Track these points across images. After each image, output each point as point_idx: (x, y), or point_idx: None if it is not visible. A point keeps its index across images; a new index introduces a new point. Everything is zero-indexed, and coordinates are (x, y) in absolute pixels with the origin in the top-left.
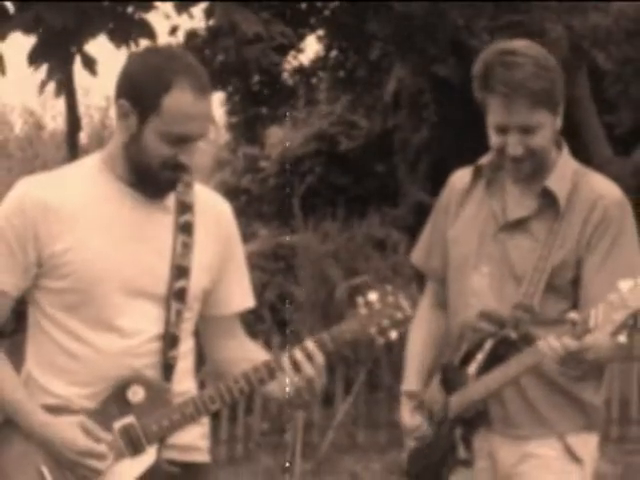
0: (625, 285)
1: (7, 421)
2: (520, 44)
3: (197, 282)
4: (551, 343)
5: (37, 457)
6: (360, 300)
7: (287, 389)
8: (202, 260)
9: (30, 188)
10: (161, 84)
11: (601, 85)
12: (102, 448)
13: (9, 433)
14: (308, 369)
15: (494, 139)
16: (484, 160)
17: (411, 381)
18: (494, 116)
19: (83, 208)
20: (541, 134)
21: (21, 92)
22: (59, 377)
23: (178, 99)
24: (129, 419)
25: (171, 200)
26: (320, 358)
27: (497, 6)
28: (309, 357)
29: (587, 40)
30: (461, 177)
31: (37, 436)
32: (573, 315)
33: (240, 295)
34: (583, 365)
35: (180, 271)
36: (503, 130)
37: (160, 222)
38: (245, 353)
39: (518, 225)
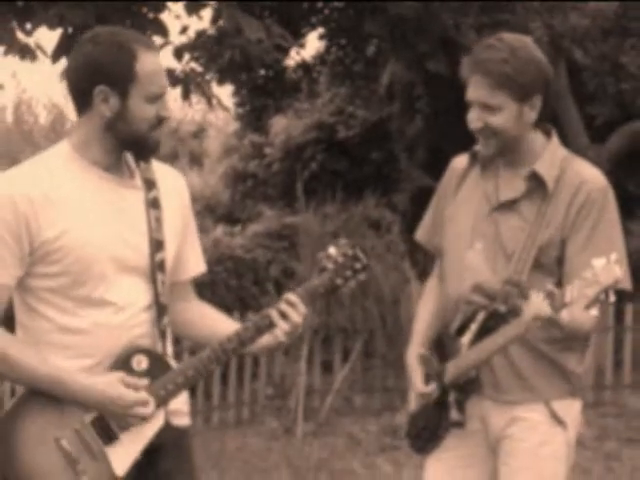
0: (598, 263)
1: (26, 397)
2: (512, 35)
3: (170, 252)
4: (534, 303)
5: (56, 430)
6: (322, 254)
7: (281, 337)
8: (172, 231)
9: (15, 182)
10: (129, 56)
11: (579, 79)
12: (144, 395)
13: (28, 408)
14: (295, 316)
15: (468, 115)
16: (479, 146)
17: (417, 345)
18: (467, 92)
19: (66, 196)
20: (501, 115)
21: (45, 86)
22: (55, 353)
23: (146, 62)
24: None
25: (137, 179)
26: (302, 306)
27: (483, 6)
28: (293, 307)
29: (566, 38)
30: (460, 161)
31: (82, 400)
32: (551, 288)
33: (195, 261)
34: (561, 331)
35: (157, 244)
36: (469, 105)
37: (134, 200)
38: (202, 313)
39: (509, 206)
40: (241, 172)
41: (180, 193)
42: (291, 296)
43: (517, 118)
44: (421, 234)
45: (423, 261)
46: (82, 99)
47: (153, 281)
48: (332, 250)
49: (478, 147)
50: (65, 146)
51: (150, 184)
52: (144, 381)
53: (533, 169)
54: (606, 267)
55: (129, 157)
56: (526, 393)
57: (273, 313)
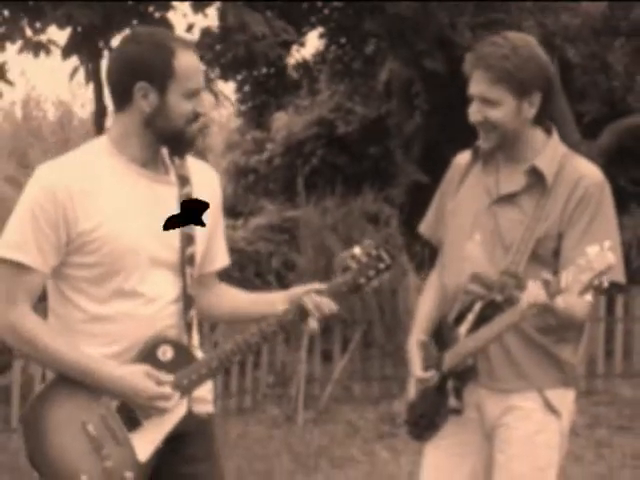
0: (592, 250)
1: (55, 382)
2: (515, 34)
3: (200, 247)
4: (531, 291)
5: (83, 415)
6: (346, 254)
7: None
8: (202, 227)
9: (55, 174)
10: (167, 53)
11: (571, 77)
12: (167, 389)
13: (58, 393)
14: (324, 309)
15: (469, 108)
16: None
17: (417, 333)
18: (468, 87)
19: (103, 190)
20: (500, 110)
21: (53, 84)
22: (84, 341)
23: (184, 59)
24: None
25: (172, 175)
26: (332, 304)
27: (478, 6)
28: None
29: (558, 37)
30: (463, 157)
31: (109, 389)
32: (547, 276)
33: (221, 255)
34: (556, 319)
35: (188, 239)
36: (470, 99)
37: (167, 196)
38: (226, 298)
39: (509, 199)
40: (243, 167)
41: (213, 190)
42: (314, 296)
43: (516, 113)
44: (424, 228)
45: (420, 254)
46: (122, 96)
47: (182, 274)
48: (357, 250)
49: (479, 142)
50: (104, 141)
51: (184, 180)
52: (169, 377)
53: (533, 164)
54: (600, 254)
55: (165, 154)
56: (520, 381)
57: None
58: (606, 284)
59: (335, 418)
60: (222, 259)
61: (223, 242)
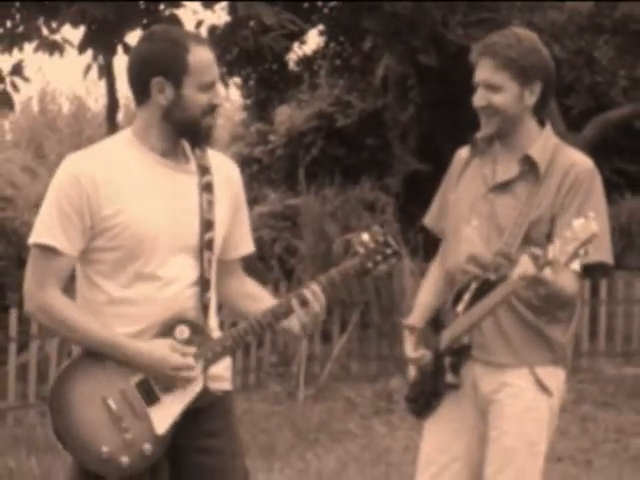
0: (577, 222)
1: (79, 359)
2: (521, 29)
3: (220, 233)
4: (523, 264)
5: (104, 390)
6: (355, 240)
7: (302, 323)
8: (221, 214)
9: (80, 163)
10: (181, 49)
11: (557, 72)
12: (190, 360)
13: (81, 369)
14: (316, 306)
15: (474, 96)
16: (479, 134)
17: (414, 317)
18: (474, 74)
19: (125, 178)
20: (503, 95)
21: (68, 79)
22: (108, 323)
23: (197, 54)
24: None
25: (192, 164)
26: (323, 298)
27: (469, 5)
28: (315, 297)
29: (545, 34)
30: (464, 152)
31: (137, 361)
32: (535, 249)
33: (244, 242)
34: (546, 289)
35: (207, 224)
36: (477, 87)
37: (187, 183)
38: (246, 289)
39: (504, 187)
40: (247, 157)
41: (232, 180)
42: (315, 287)
43: (518, 99)
44: (429, 220)
45: (415, 240)
46: (141, 90)
47: (200, 258)
48: (365, 236)
49: (477, 135)
50: (127, 133)
51: (204, 170)
52: (191, 349)
53: (527, 153)
54: (584, 224)
55: (186, 145)
56: (510, 357)
57: (293, 301)
58: (592, 259)
59: (334, 395)
60: (246, 246)
61: (247, 230)
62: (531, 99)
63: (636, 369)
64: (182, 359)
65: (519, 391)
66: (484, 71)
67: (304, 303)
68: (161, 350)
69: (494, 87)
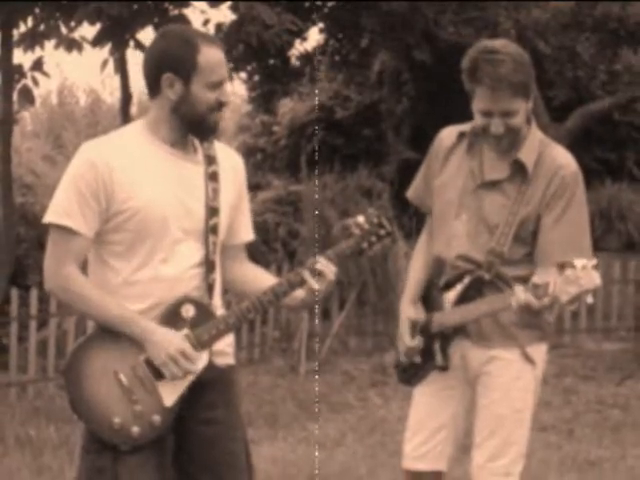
0: (579, 263)
1: (93, 335)
2: (499, 43)
3: (224, 219)
4: (518, 295)
5: (116, 365)
6: (351, 222)
7: (316, 292)
8: (226, 201)
9: (96, 150)
10: (192, 49)
11: (541, 66)
12: (193, 352)
13: (95, 345)
14: (330, 274)
15: (480, 121)
16: (466, 127)
17: (409, 306)
18: (481, 103)
19: (137, 165)
20: (518, 116)
21: (85, 74)
22: (119, 301)
23: (207, 54)
24: (185, 331)
25: (200, 155)
26: (334, 267)
27: (459, 5)
28: (327, 267)
29: (530, 30)
30: (448, 135)
31: (143, 339)
32: (536, 280)
33: (245, 230)
34: (538, 314)
35: (213, 211)
36: (488, 114)
37: (194, 172)
38: (249, 273)
39: (493, 185)
40: (252, 147)
41: (237, 171)
42: (322, 259)
43: (526, 114)
44: (412, 194)
45: (409, 224)
46: (153, 85)
47: (205, 242)
48: (360, 218)
49: (465, 128)
50: (140, 124)
51: (210, 160)
52: (197, 354)
53: (517, 157)
54: (585, 269)
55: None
56: (504, 340)
57: (305, 273)
58: (590, 300)
59: (333, 368)
60: (246, 233)
61: (248, 218)
62: (531, 105)
63: (615, 344)
64: (186, 344)
65: (508, 363)
66: (502, 103)
67: (315, 273)
68: (175, 335)
69: (511, 113)
